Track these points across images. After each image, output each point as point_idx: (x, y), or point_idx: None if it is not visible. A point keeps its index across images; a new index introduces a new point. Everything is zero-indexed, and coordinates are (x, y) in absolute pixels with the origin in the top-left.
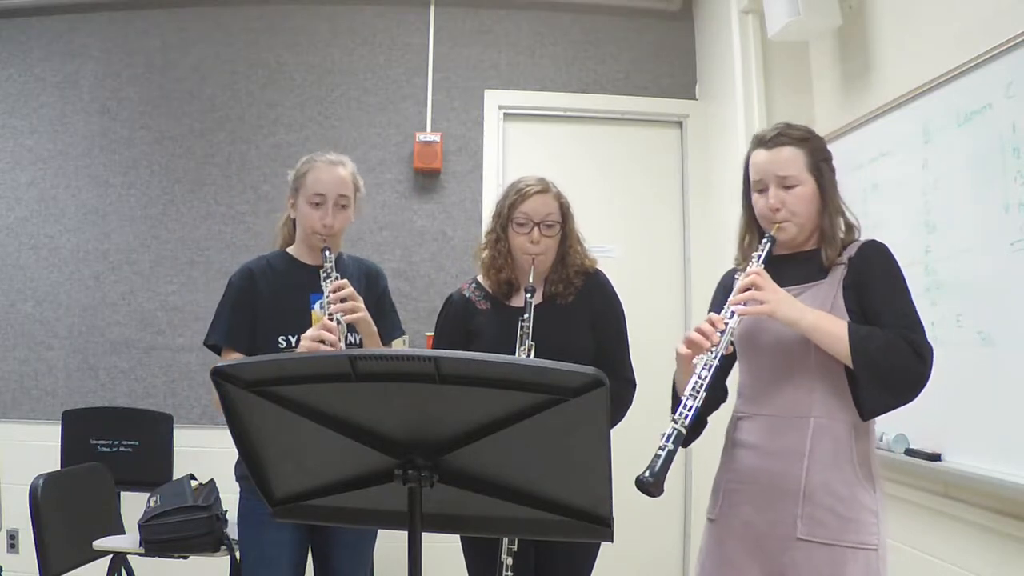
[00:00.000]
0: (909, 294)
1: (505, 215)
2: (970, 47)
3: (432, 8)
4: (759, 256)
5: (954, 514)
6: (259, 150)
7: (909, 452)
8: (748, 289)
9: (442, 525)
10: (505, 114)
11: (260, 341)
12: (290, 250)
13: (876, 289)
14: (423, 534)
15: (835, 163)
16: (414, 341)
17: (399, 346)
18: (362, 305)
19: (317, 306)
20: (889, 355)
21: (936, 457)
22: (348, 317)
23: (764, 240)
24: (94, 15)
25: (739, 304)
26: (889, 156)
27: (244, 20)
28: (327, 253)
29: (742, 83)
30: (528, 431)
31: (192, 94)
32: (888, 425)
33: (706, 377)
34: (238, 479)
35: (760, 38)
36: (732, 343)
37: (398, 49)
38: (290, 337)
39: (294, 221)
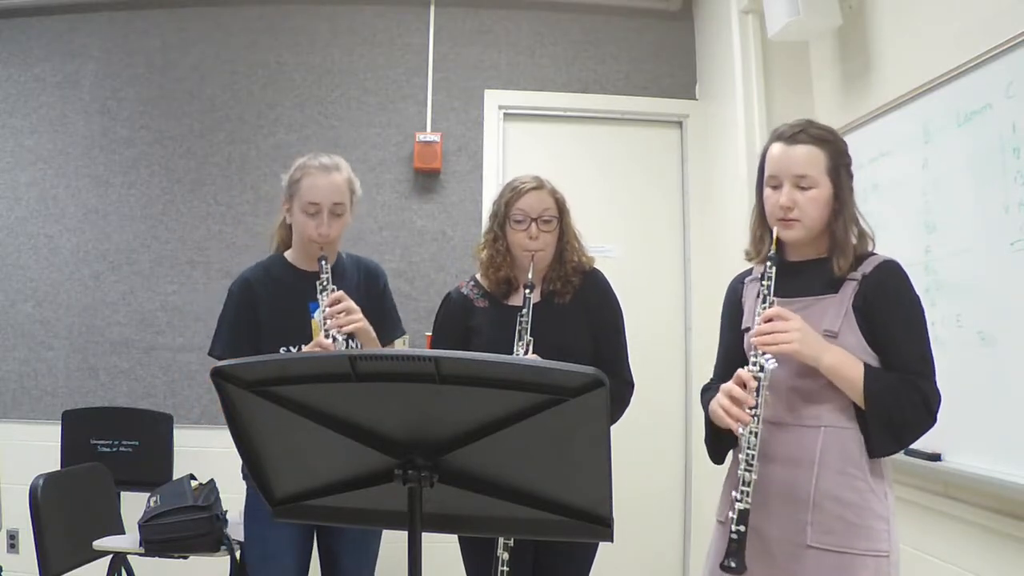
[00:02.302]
0: (926, 328)
1: (502, 213)
2: (970, 47)
3: (432, 8)
4: (769, 286)
5: (954, 514)
6: (259, 150)
7: (909, 452)
8: (768, 332)
9: (442, 525)
10: (505, 114)
11: (263, 350)
12: (287, 255)
13: (894, 324)
14: (423, 534)
15: None
16: (414, 341)
17: (400, 346)
18: (360, 316)
19: (317, 314)
20: (902, 410)
21: (936, 457)
22: (346, 328)
23: (768, 264)
24: (94, 15)
25: (764, 346)
26: (889, 156)
27: (244, 20)
28: (323, 263)
29: (742, 83)
30: (528, 431)
31: (192, 94)
32: None
33: (755, 445)
34: (245, 476)
35: (760, 38)
36: (734, 349)
37: (398, 49)
38: (291, 348)
39: (291, 223)
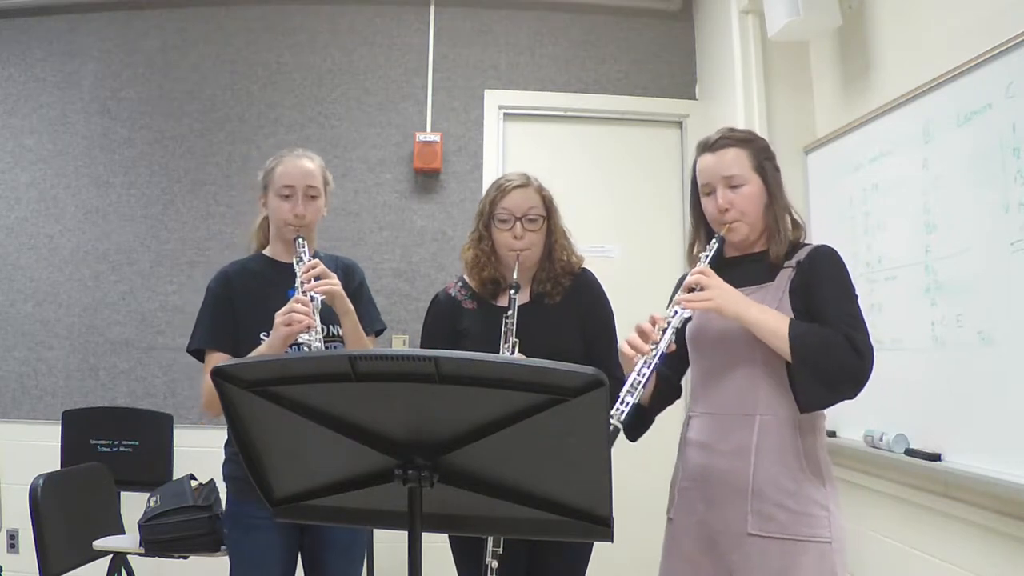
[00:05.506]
0: (855, 296)
1: (487, 213)
2: (970, 47)
3: (432, 8)
4: (706, 257)
5: (954, 514)
6: (259, 150)
7: (909, 452)
8: (693, 288)
9: (442, 525)
10: (505, 114)
11: (242, 340)
12: (266, 251)
13: (822, 291)
14: (423, 534)
15: (834, 163)
16: (414, 341)
17: (398, 345)
18: (336, 280)
19: (296, 291)
20: (826, 350)
21: (936, 457)
22: (322, 289)
23: (712, 241)
24: (94, 15)
25: (687, 304)
26: (889, 156)
27: (244, 20)
28: (300, 240)
29: (742, 83)
30: (528, 431)
31: (192, 94)
32: (888, 425)
33: (645, 375)
34: (226, 479)
35: (760, 38)
36: (675, 341)
37: (398, 49)
38: (270, 333)
39: (269, 224)
